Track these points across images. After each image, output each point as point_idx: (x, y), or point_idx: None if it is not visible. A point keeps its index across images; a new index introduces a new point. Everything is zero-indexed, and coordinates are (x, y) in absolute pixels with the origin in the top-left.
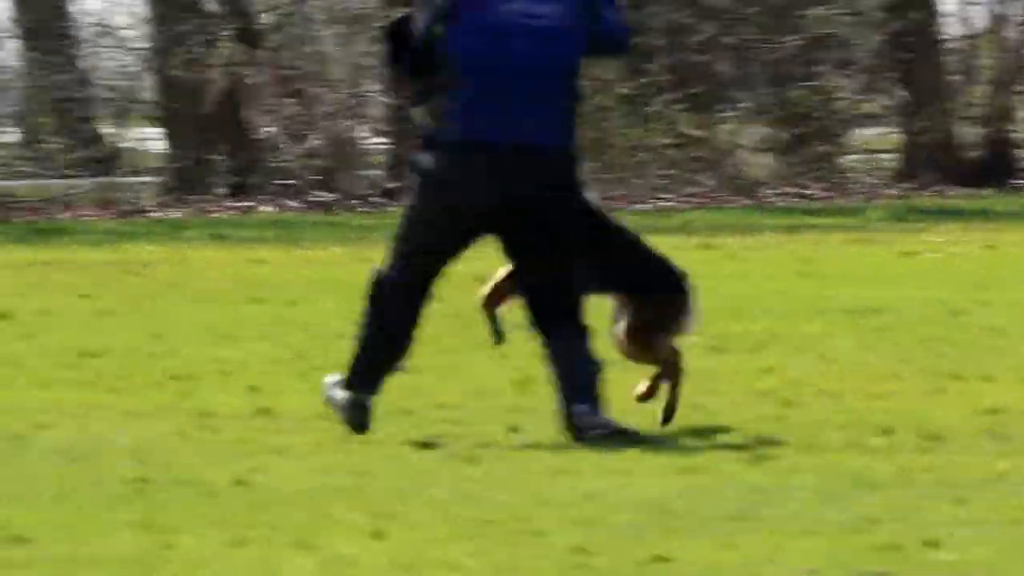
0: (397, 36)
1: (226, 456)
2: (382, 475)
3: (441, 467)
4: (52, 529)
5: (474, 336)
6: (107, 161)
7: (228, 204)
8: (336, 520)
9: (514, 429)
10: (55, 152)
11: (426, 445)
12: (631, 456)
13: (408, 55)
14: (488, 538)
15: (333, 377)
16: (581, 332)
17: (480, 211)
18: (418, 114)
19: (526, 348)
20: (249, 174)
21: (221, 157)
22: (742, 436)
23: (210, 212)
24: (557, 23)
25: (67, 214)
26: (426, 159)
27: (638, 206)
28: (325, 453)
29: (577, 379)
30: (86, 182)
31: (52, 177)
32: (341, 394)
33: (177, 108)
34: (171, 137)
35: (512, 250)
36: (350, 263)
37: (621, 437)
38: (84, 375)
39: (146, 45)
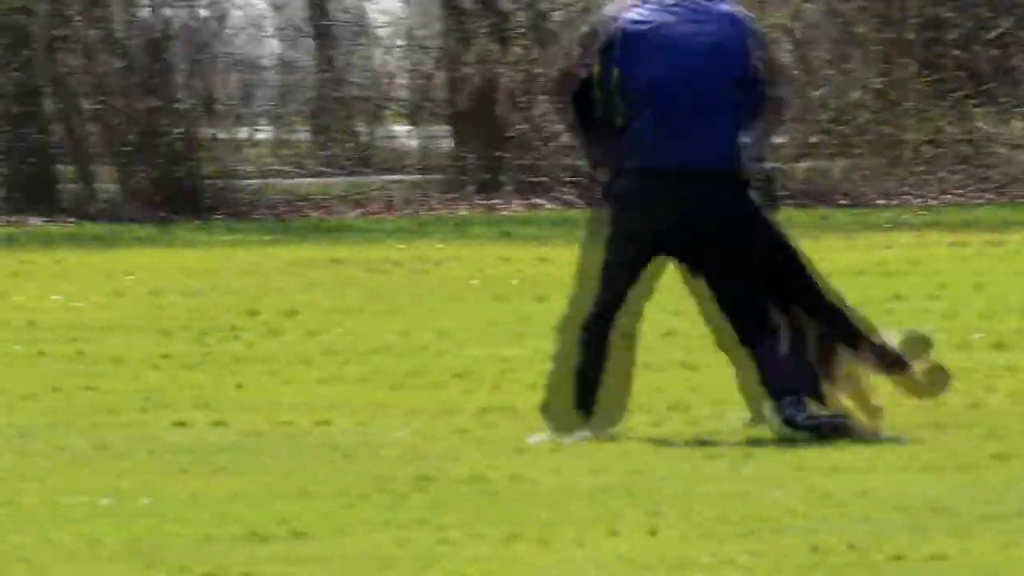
0: (579, 99)
1: (505, 454)
2: (656, 472)
3: (715, 464)
4: (331, 526)
5: None
6: (360, 159)
7: (514, 201)
8: (611, 517)
9: None
10: (343, 150)
11: (701, 442)
12: (906, 453)
13: (586, 115)
14: (762, 536)
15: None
16: (773, 335)
17: (660, 234)
18: (600, 174)
19: None
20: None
21: (508, 155)
22: None
23: (498, 210)
24: (717, 41)
25: (355, 212)
26: (615, 189)
27: (930, 201)
28: (601, 450)
29: (778, 376)
30: (372, 180)
31: (339, 175)
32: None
33: (464, 106)
34: (457, 135)
35: (693, 270)
36: None
37: (838, 428)
38: (368, 372)
39: (438, 44)
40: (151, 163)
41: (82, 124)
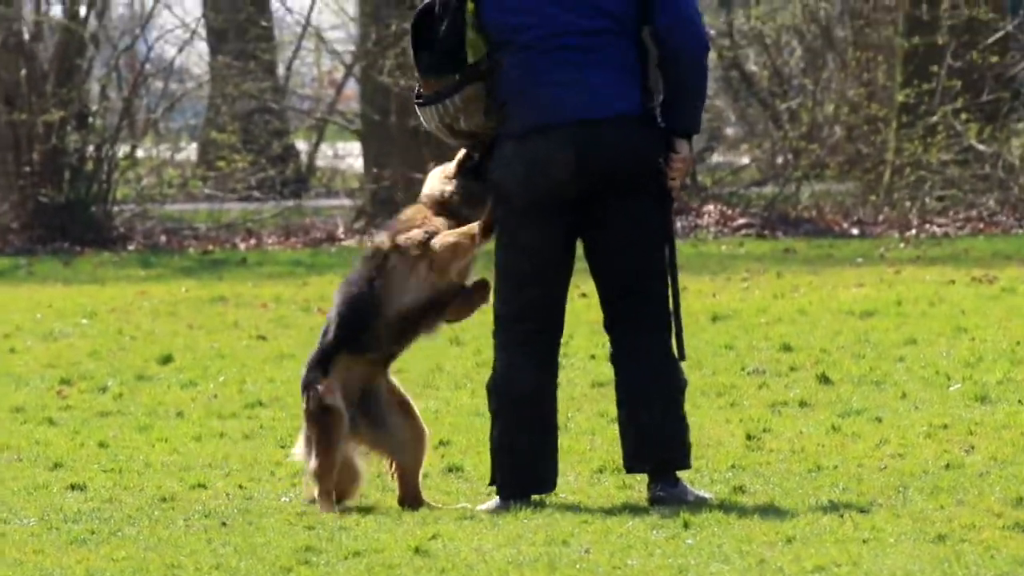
0: (421, 27)
1: (406, 521)
2: (581, 544)
3: (650, 534)
4: None
5: (704, 383)
6: (297, 183)
7: None
8: None
9: (740, 489)
10: (238, 172)
11: (635, 509)
12: (873, 522)
13: (433, 46)
14: None
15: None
16: (657, 348)
17: (562, 198)
18: (427, 115)
19: (760, 396)
20: None
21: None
22: (1007, 499)
23: None
24: None
25: (248, 243)
26: (493, 165)
27: (908, 232)
28: (518, 518)
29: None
30: (271, 206)
31: (232, 201)
32: (492, 503)
33: (381, 121)
34: (369, 154)
35: (593, 247)
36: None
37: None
38: (253, 428)
39: (352, 48)
40: (56, 186)
41: None
